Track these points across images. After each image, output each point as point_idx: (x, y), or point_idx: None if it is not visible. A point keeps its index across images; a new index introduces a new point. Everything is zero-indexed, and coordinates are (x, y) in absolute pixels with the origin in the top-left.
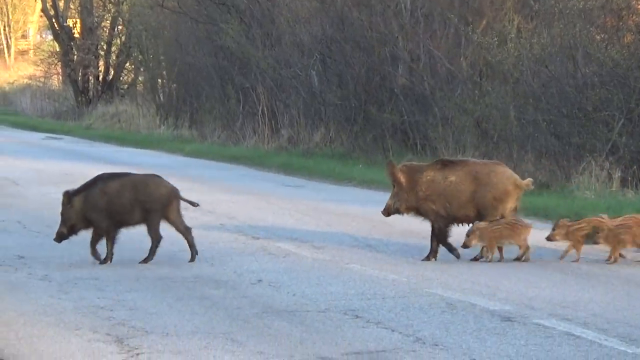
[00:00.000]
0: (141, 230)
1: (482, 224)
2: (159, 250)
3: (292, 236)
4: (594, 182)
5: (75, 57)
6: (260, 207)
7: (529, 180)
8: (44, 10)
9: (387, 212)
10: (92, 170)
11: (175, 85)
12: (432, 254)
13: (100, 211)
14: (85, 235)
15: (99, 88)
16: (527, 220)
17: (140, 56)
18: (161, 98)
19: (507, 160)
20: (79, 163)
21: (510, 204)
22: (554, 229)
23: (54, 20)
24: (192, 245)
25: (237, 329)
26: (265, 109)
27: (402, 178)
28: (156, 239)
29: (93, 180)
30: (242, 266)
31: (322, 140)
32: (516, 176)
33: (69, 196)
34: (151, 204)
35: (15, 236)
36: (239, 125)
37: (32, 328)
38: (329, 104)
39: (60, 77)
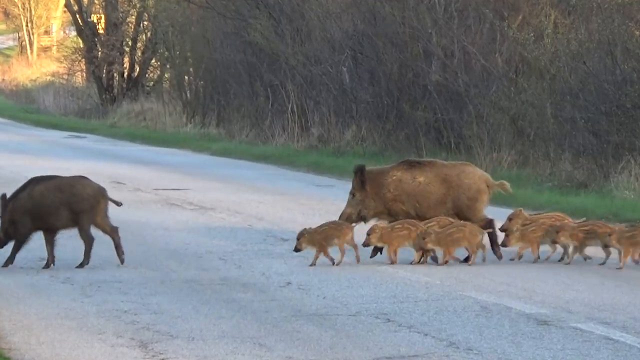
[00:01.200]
0: (163, 231)
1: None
2: (186, 252)
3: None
4: (633, 181)
5: (99, 53)
6: (290, 208)
7: (502, 182)
8: (67, 5)
9: (348, 221)
10: (116, 170)
11: (202, 82)
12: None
13: (25, 215)
14: (108, 238)
15: (124, 85)
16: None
17: (166, 52)
18: (188, 95)
19: (543, 159)
20: (102, 162)
21: (485, 202)
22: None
23: (77, 15)
24: (118, 246)
25: (265, 334)
26: (294, 106)
27: (367, 185)
28: (88, 241)
29: (24, 184)
30: (271, 268)
31: (354, 139)
32: (487, 175)
33: (5, 201)
34: (78, 205)
35: (36, 238)
36: (268, 124)
37: (54, 332)
38: (360, 102)
39: (84, 74)
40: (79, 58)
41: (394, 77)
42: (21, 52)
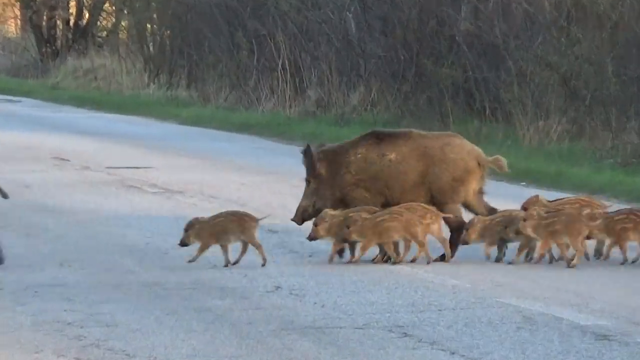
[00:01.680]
0: (117, 221)
1: (204, 219)
2: (147, 248)
3: None
4: None
5: None
6: (280, 191)
7: (498, 158)
8: None
9: (301, 217)
10: (59, 143)
11: (168, 32)
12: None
13: None
14: (48, 229)
15: (70, 36)
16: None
17: None
18: (150, 49)
19: (603, 129)
20: (41, 133)
21: (473, 185)
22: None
23: None
24: None
25: (247, 352)
26: (286, 62)
27: (321, 168)
28: None
29: None
30: (255, 268)
31: (361, 104)
32: (479, 150)
33: None
34: None
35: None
36: (253, 84)
37: None
38: (369, 56)
39: (19, 22)
40: (12, 1)
41: (412, 26)
42: None
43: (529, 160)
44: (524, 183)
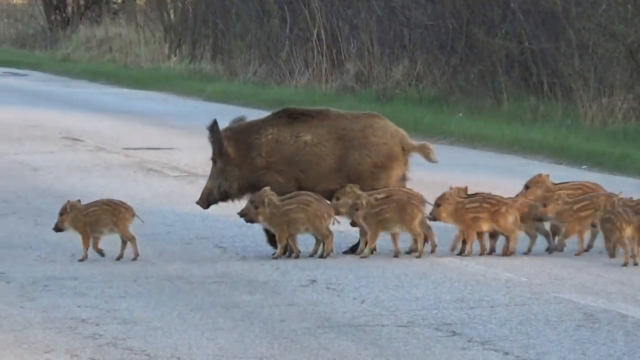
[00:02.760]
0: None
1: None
2: (169, 237)
3: None
4: None
5: None
6: None
7: (426, 145)
8: None
9: (206, 201)
10: (70, 121)
11: None
12: (282, 249)
13: None
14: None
15: (82, 2)
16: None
17: None
18: (171, 17)
19: None
20: (50, 111)
21: (396, 172)
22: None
23: None
24: None
25: (280, 352)
26: (322, 32)
27: (229, 147)
28: None
29: None
30: (288, 260)
31: (405, 78)
32: (403, 133)
33: None
34: None
35: None
36: (285, 57)
37: None
38: (414, 26)
39: None
40: None
41: None
42: None
43: (591, 142)
44: (585, 166)
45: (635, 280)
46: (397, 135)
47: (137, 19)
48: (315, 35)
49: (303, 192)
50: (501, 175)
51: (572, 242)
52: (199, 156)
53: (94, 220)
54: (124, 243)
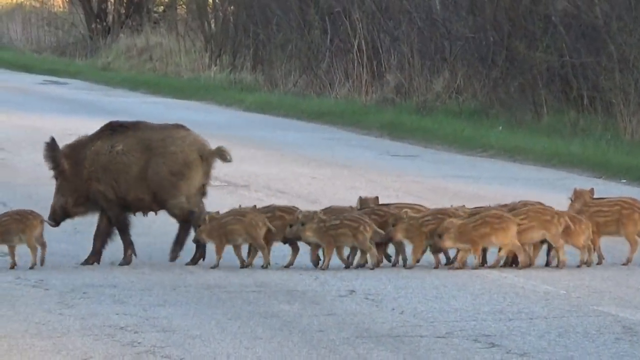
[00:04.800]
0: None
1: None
2: (208, 246)
3: None
4: None
5: None
6: (355, 186)
7: (221, 147)
8: None
9: (53, 218)
10: None
11: (232, 7)
12: (94, 257)
13: None
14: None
15: (122, 11)
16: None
17: None
18: (212, 26)
19: None
20: (90, 119)
21: (196, 180)
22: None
23: None
24: None
25: None
26: (363, 43)
27: (65, 164)
28: None
29: None
30: (327, 271)
31: (446, 90)
32: (204, 141)
33: None
34: None
35: None
36: (325, 68)
37: (21, 356)
38: (455, 38)
39: None
40: None
41: (503, 4)
42: None
43: (631, 156)
44: (624, 180)
45: None
46: (195, 144)
47: (177, 28)
48: (355, 47)
49: (243, 206)
50: (541, 189)
51: (612, 257)
52: (238, 166)
53: (5, 230)
54: (32, 252)
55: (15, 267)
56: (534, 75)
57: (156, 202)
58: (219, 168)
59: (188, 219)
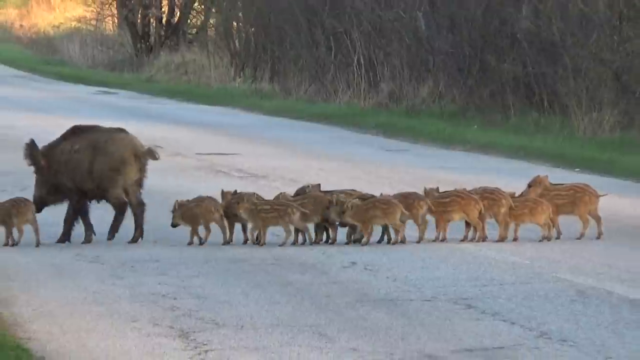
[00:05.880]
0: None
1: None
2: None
3: None
4: None
5: None
6: (355, 176)
7: (151, 148)
8: None
9: (36, 206)
10: (153, 131)
11: (253, 29)
12: (63, 236)
13: None
14: (149, 210)
15: (162, 33)
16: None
17: None
18: (236, 45)
19: None
20: (136, 122)
21: (131, 175)
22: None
23: None
24: None
25: (326, 322)
26: (361, 58)
27: (43, 161)
28: None
29: None
30: (333, 246)
31: (430, 96)
32: (138, 143)
33: None
34: None
35: (58, 211)
36: (330, 78)
37: (80, 320)
38: (438, 52)
39: (116, 20)
40: (110, 1)
41: (477, 24)
42: None
43: (583, 149)
44: (578, 169)
45: (619, 264)
46: (130, 145)
47: (208, 47)
48: (355, 61)
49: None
50: (509, 177)
51: (568, 232)
52: (259, 160)
53: (5, 213)
54: (20, 233)
55: (14, 244)
56: (503, 83)
57: (100, 192)
58: (243, 162)
59: (123, 208)
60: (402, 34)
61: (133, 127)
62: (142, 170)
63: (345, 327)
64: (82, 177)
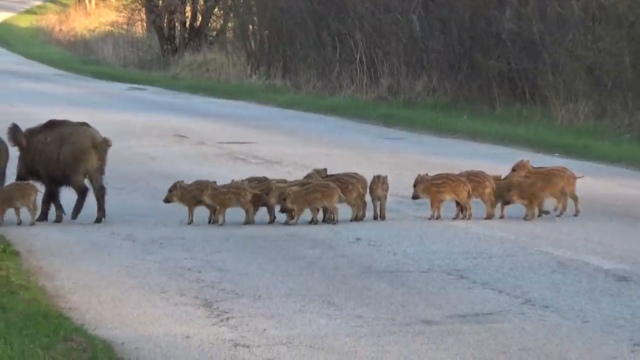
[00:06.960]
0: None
1: None
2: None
3: (392, 192)
4: None
5: (160, 2)
6: (359, 162)
7: (106, 138)
8: None
9: (19, 178)
10: (178, 123)
11: (267, 31)
12: (42, 215)
13: None
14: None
15: (186, 35)
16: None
17: (229, 1)
18: (252, 45)
19: (621, 110)
20: (163, 115)
21: (92, 163)
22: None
23: None
24: None
25: (334, 291)
26: (363, 56)
27: (23, 141)
28: None
29: None
30: (340, 224)
31: (424, 90)
32: (97, 135)
33: None
34: None
35: (89, 195)
36: (336, 74)
37: (115, 291)
38: (431, 51)
39: (145, 24)
40: (139, 7)
41: (466, 26)
42: (79, 1)
43: (561, 136)
44: (557, 154)
45: (594, 238)
46: (89, 137)
47: (227, 47)
48: (358, 59)
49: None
50: (495, 161)
51: (549, 209)
52: (273, 148)
53: (7, 197)
54: (31, 213)
55: (32, 224)
56: (489, 78)
57: (64, 178)
58: (259, 149)
59: (85, 193)
60: (400, 35)
61: (162, 119)
62: (101, 158)
63: (351, 296)
64: (52, 166)
